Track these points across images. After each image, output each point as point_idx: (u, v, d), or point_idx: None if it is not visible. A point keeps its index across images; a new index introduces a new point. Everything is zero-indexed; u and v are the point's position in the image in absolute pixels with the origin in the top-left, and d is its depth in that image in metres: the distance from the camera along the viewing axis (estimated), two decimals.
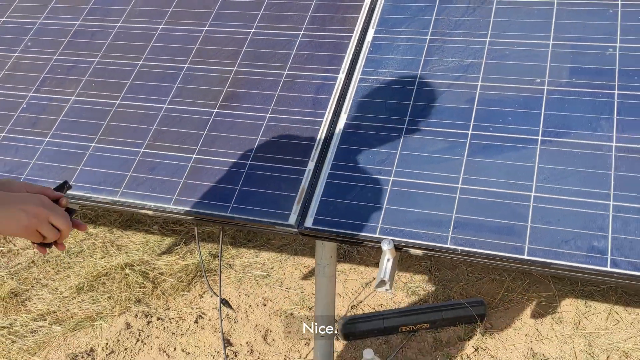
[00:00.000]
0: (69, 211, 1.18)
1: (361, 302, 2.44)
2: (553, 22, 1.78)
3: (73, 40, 2.19)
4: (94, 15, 2.25)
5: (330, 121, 1.73)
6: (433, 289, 2.45)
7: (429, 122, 1.67)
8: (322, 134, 1.71)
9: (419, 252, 1.48)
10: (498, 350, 2.13)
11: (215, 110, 1.85)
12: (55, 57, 2.15)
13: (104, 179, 1.77)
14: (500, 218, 1.46)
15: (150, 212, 1.68)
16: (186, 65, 1.99)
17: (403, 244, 1.47)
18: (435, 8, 1.91)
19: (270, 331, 2.33)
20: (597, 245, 1.37)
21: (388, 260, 1.47)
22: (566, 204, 1.44)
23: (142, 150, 1.81)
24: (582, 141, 1.54)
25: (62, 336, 2.35)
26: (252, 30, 2.03)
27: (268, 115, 1.79)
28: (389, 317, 2.18)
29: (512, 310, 2.31)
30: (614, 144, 1.52)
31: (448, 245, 1.45)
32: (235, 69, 1.94)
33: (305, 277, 2.63)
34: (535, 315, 2.28)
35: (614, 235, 1.38)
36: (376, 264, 2.62)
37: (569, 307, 2.32)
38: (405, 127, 1.67)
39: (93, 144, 1.86)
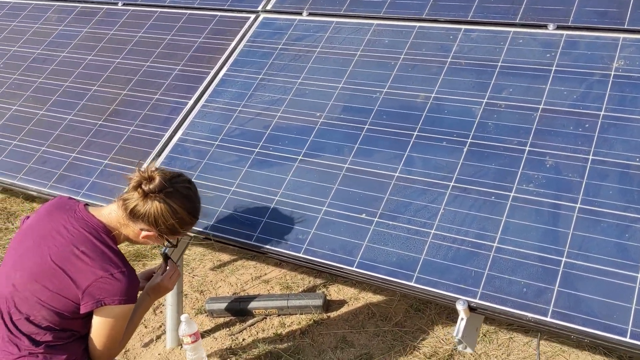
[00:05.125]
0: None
1: (244, 290, 2.94)
2: (349, 70, 2.25)
3: (31, 65, 2.88)
4: (50, 46, 2.94)
5: (169, 136, 2.29)
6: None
7: (232, 140, 2.18)
8: (160, 145, 2.27)
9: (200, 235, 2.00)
10: (320, 334, 2.55)
11: (100, 122, 2.45)
12: (14, 76, 2.85)
13: (12, 167, 2.41)
14: (251, 214, 1.95)
15: (34, 194, 2.30)
16: (94, 88, 2.62)
17: None
18: (275, 54, 2.42)
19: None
20: (301, 238, 1.84)
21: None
22: (296, 206, 1.92)
23: (43, 148, 2.44)
24: (324, 161, 2.00)
25: None
26: (147, 64, 2.63)
27: (132, 128, 2.38)
28: (244, 300, 2.66)
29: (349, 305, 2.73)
30: (346, 165, 1.97)
31: (209, 231, 1.95)
32: (124, 92, 2.54)
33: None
34: (362, 310, 2.68)
35: (317, 231, 1.84)
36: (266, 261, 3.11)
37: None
38: (216, 143, 2.20)
39: (15, 142, 2.52)
